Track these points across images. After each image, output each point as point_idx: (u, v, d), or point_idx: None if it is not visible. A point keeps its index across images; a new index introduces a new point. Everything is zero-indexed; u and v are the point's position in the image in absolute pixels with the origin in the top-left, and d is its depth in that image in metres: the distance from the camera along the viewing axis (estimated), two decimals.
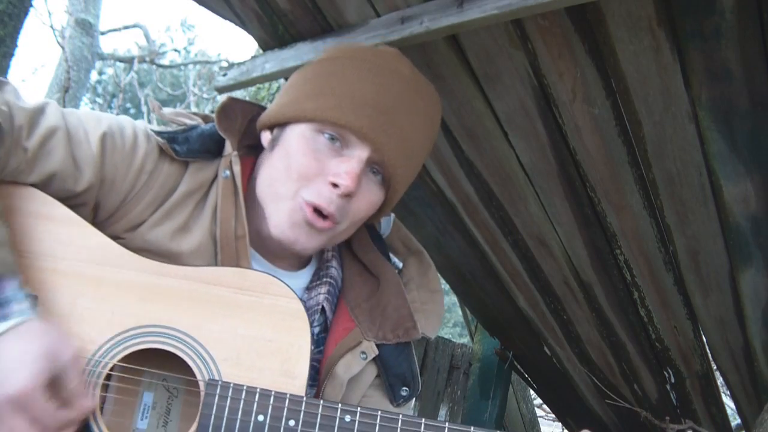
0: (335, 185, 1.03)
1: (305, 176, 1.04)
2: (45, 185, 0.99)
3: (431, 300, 1.22)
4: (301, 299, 1.12)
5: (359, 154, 1.04)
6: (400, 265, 1.24)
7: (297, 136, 1.06)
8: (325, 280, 1.17)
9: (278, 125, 1.11)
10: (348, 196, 1.04)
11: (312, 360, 1.04)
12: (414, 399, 1.20)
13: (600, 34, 1.49)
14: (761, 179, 1.64)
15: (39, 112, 0.99)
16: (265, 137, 1.13)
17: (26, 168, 0.97)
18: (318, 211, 1.04)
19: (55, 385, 0.87)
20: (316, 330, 1.14)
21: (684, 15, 1.37)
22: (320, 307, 1.13)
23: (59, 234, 0.97)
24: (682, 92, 1.53)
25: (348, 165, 1.03)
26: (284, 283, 1.01)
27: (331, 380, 1.09)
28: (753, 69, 1.42)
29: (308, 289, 1.16)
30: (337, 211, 1.05)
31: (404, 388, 1.16)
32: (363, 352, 1.12)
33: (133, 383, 1.01)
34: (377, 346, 1.13)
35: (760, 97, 1.47)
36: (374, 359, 1.14)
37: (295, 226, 1.05)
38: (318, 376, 1.11)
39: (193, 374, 0.96)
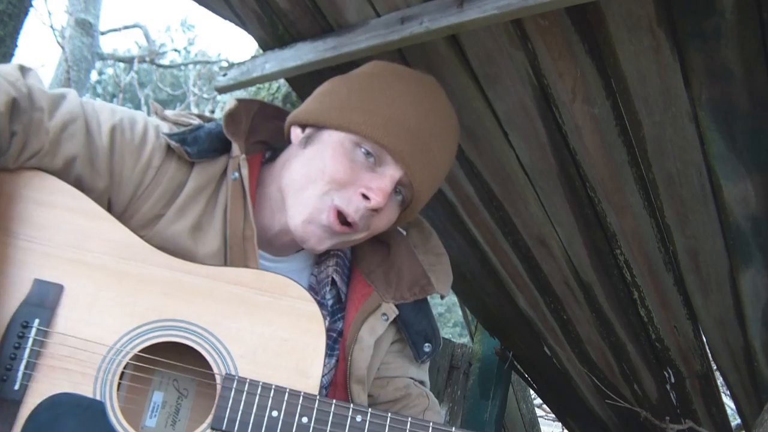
0: (366, 197, 1.07)
1: (338, 181, 1.07)
2: (67, 171, 1.01)
3: (438, 262, 1.26)
4: (312, 275, 1.18)
5: (392, 174, 1.08)
6: (404, 233, 1.28)
7: (335, 143, 1.09)
8: (332, 252, 1.20)
9: (315, 126, 1.13)
10: (376, 210, 1.08)
11: (329, 330, 1.08)
12: (434, 357, 1.25)
13: (600, 34, 1.49)
14: (761, 179, 1.64)
15: (61, 97, 1.02)
16: (296, 133, 1.16)
17: (50, 150, 0.99)
18: (341, 217, 1.08)
19: None
20: (330, 302, 1.18)
21: (684, 15, 1.37)
22: (330, 279, 1.17)
23: (87, 227, 1.00)
24: (682, 92, 1.53)
25: (381, 182, 1.07)
26: (302, 286, 1.04)
27: (359, 344, 1.13)
28: (753, 69, 1.42)
29: (317, 264, 1.20)
30: (360, 220, 1.09)
31: (426, 344, 1.21)
32: (384, 314, 1.16)
33: (143, 382, 1.03)
34: (396, 307, 1.18)
35: (760, 97, 1.47)
36: (395, 321, 1.18)
37: (310, 224, 1.08)
38: (336, 346, 1.15)
39: (209, 370, 0.98)
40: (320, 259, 1.20)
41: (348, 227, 1.08)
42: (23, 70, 1.01)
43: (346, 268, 1.21)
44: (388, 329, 1.18)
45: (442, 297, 1.26)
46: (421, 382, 1.27)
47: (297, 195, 1.09)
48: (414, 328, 1.20)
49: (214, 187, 1.11)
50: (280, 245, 1.15)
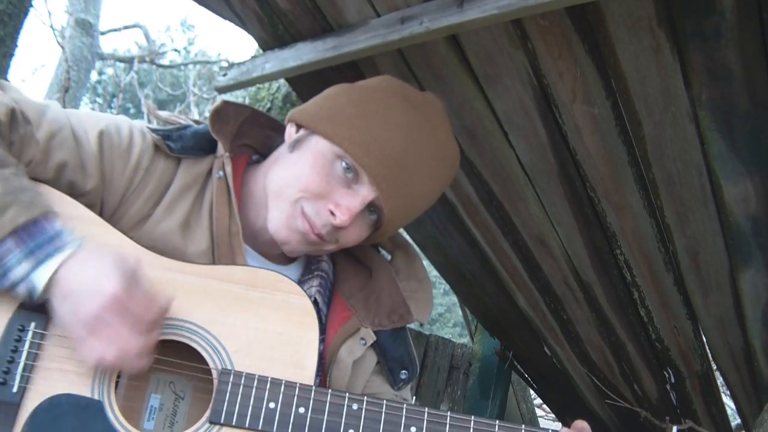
0: (333, 213, 1.07)
1: (310, 191, 1.08)
2: (59, 179, 1.02)
3: (420, 288, 1.25)
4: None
5: (365, 194, 1.08)
6: (389, 257, 1.28)
7: (317, 152, 1.09)
8: (316, 273, 1.21)
9: (307, 129, 1.13)
10: (340, 228, 1.09)
11: None
12: (413, 381, 1.26)
13: (600, 34, 1.49)
14: (761, 179, 1.64)
15: (45, 107, 1.04)
16: (290, 131, 1.16)
17: (41, 159, 1.00)
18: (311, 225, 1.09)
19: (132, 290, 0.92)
20: None
21: (684, 15, 1.37)
22: (313, 299, 1.17)
23: (81, 233, 1.00)
24: (682, 92, 1.53)
25: (351, 201, 1.07)
26: (294, 281, 1.05)
27: (337, 364, 1.13)
28: (753, 69, 1.42)
29: (300, 282, 1.20)
30: (327, 235, 1.09)
31: (403, 371, 1.21)
32: (362, 338, 1.16)
33: (141, 380, 1.03)
34: (374, 332, 1.18)
35: (760, 97, 1.47)
36: (373, 346, 1.18)
37: (290, 230, 1.10)
38: (318, 367, 1.14)
39: (206, 366, 0.99)
40: (304, 278, 1.20)
41: (319, 238, 1.10)
42: (2, 86, 1.02)
43: (328, 290, 1.22)
44: (369, 353, 1.18)
45: (421, 324, 1.25)
46: (404, 400, 1.27)
47: (275, 199, 1.11)
48: (391, 355, 1.20)
49: (200, 186, 1.12)
50: (263, 242, 1.16)
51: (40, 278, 0.91)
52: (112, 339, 0.90)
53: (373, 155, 1.06)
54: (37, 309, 0.96)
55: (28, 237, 0.91)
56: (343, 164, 1.08)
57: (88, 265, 0.92)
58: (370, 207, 1.10)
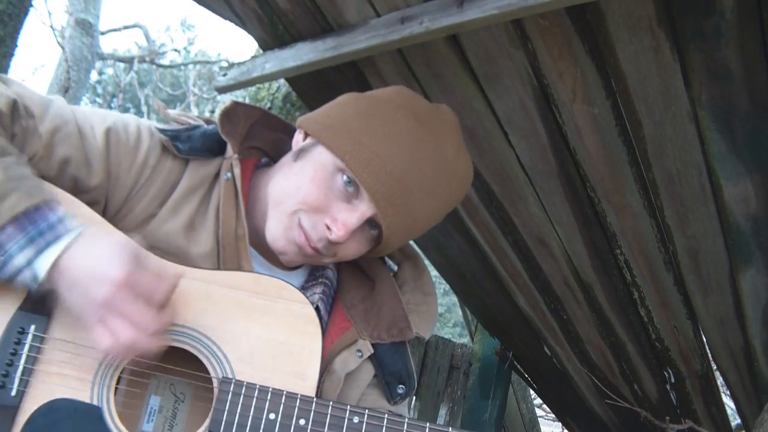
0: (329, 228, 1.06)
1: (308, 204, 1.07)
2: (62, 175, 1.01)
3: (425, 302, 1.23)
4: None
5: (364, 210, 1.06)
6: (395, 268, 1.26)
7: (319, 164, 1.08)
8: (320, 280, 1.19)
9: (313, 137, 1.11)
10: (337, 243, 1.07)
11: None
12: (410, 397, 1.24)
13: (600, 34, 1.49)
14: (761, 179, 1.64)
15: (49, 102, 1.03)
16: (298, 138, 1.15)
17: (44, 154, 0.99)
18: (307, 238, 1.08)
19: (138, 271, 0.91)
20: None
21: (684, 15, 1.38)
22: (315, 306, 1.15)
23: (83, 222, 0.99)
24: (682, 92, 1.53)
25: (349, 217, 1.05)
26: (298, 289, 1.03)
27: (329, 375, 1.11)
28: (753, 69, 1.42)
29: (304, 288, 1.18)
30: (324, 249, 1.08)
31: (400, 386, 1.18)
32: (359, 350, 1.14)
33: (140, 387, 1.02)
34: (373, 345, 1.16)
35: (760, 97, 1.47)
36: (371, 359, 1.16)
37: (287, 241, 1.08)
38: None
39: (206, 373, 0.98)
40: (308, 284, 1.19)
41: (315, 251, 1.08)
42: (4, 80, 1.01)
43: (330, 298, 1.20)
44: (366, 366, 1.16)
45: (428, 340, 1.24)
46: (400, 416, 1.26)
47: (274, 208, 1.09)
48: (388, 369, 1.18)
49: (207, 188, 1.11)
50: (269, 246, 1.15)
51: (42, 266, 0.89)
52: (125, 322, 0.89)
53: (373, 172, 1.03)
54: (37, 311, 0.95)
55: (29, 224, 0.90)
56: (344, 178, 1.06)
57: (91, 251, 0.91)
58: (371, 222, 1.08)
